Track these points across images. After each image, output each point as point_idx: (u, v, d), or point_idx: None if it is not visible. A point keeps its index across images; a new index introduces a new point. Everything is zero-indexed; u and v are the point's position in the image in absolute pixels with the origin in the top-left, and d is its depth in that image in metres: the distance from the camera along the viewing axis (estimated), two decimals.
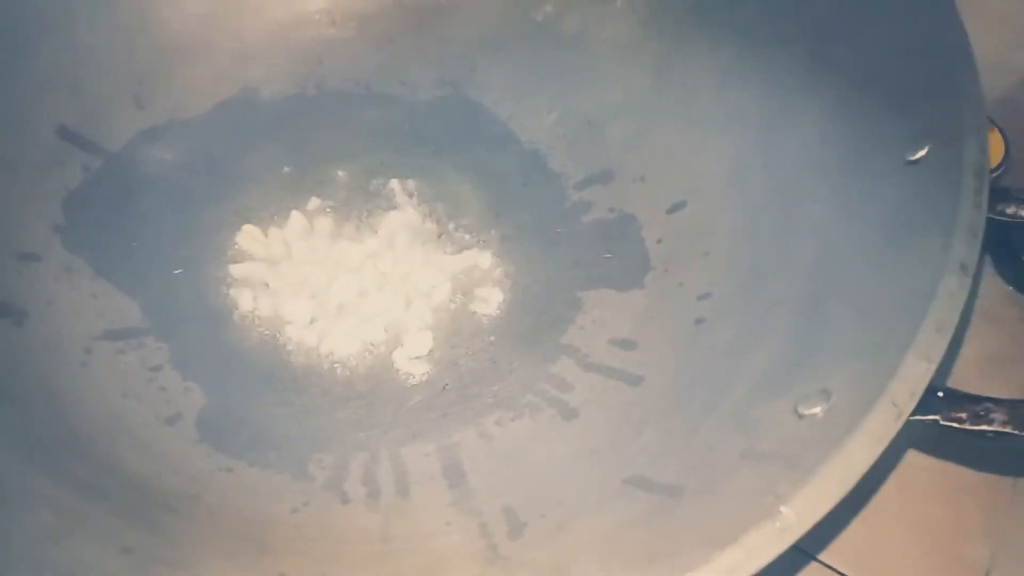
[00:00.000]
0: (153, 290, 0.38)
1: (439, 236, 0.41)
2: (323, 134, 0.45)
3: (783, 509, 0.22)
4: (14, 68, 0.40)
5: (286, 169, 0.43)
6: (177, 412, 0.35)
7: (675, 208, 0.42)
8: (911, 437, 0.28)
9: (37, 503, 0.27)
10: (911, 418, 0.24)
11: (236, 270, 0.39)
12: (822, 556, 0.32)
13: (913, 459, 0.32)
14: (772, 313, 0.33)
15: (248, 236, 0.40)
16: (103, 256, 0.39)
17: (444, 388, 0.36)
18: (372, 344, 0.37)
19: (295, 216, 0.41)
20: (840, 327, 0.28)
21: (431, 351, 0.37)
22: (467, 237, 0.41)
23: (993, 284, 0.39)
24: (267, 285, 0.38)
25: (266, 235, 0.40)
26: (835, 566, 0.32)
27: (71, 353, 0.35)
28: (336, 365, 0.37)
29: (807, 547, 0.32)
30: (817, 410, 0.26)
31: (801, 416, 0.26)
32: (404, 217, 0.41)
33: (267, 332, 0.37)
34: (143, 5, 0.43)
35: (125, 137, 0.42)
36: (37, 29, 0.40)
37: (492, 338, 0.38)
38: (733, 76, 0.41)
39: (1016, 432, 0.26)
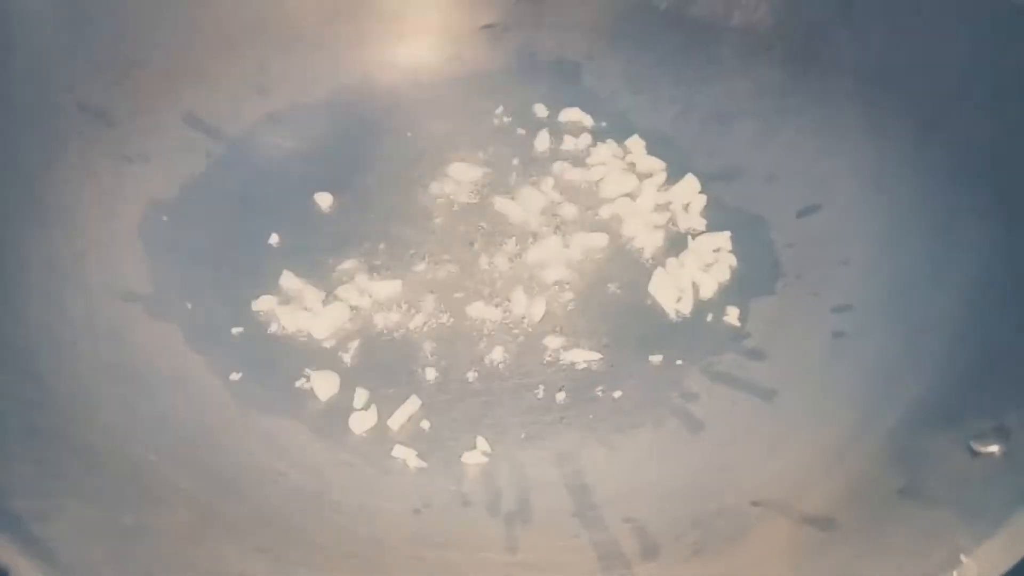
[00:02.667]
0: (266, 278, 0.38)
1: (556, 229, 0.40)
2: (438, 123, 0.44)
3: (964, 559, 0.21)
4: (144, 59, 0.40)
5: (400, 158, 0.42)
6: (300, 404, 0.34)
7: (807, 211, 0.40)
8: None
9: (175, 500, 0.28)
10: None
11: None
12: None
13: None
14: (926, 334, 0.30)
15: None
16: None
17: (560, 390, 0.35)
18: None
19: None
20: (1013, 357, 0.26)
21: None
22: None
23: None
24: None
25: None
26: None
27: (196, 346, 0.36)
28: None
29: None
30: (995, 449, 0.24)
31: (975, 454, 0.24)
32: (521, 209, 0.40)
33: (391, 319, 0.37)
34: None
35: (247, 123, 0.42)
36: (168, 21, 0.41)
37: (606, 340, 0.37)
38: (876, 78, 0.38)
39: None
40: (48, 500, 0.26)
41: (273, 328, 0.36)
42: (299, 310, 0.37)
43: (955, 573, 0.21)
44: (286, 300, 0.37)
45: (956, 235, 0.32)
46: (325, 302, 0.37)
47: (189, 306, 0.36)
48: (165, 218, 0.39)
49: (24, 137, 0.37)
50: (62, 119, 0.38)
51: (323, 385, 0.34)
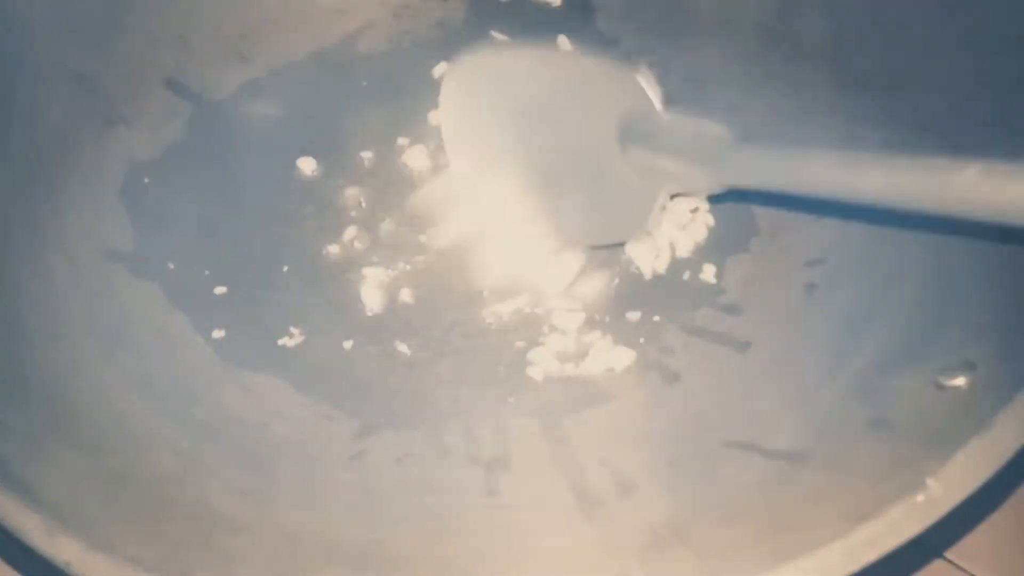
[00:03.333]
0: (253, 243, 0.38)
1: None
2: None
3: (929, 482, 0.21)
4: (126, 24, 0.40)
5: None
6: (281, 359, 0.35)
7: None
8: None
9: (159, 445, 0.28)
10: None
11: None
12: (949, 554, 0.30)
13: None
14: (896, 283, 0.31)
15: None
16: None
17: (540, 345, 0.36)
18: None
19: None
20: (980, 303, 0.27)
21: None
22: None
23: None
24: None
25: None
26: (963, 565, 0.30)
27: (179, 304, 0.36)
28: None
29: (933, 543, 0.30)
30: (961, 381, 0.24)
31: (942, 387, 0.25)
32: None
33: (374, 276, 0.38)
34: None
35: (229, 89, 0.43)
36: None
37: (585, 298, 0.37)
38: (845, 44, 0.39)
39: None
40: (34, 445, 0.26)
41: (257, 288, 0.37)
42: None
43: (920, 496, 0.22)
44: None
45: None
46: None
47: (171, 266, 0.37)
48: (147, 180, 0.39)
49: (6, 101, 0.37)
50: (44, 83, 0.38)
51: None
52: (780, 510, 0.24)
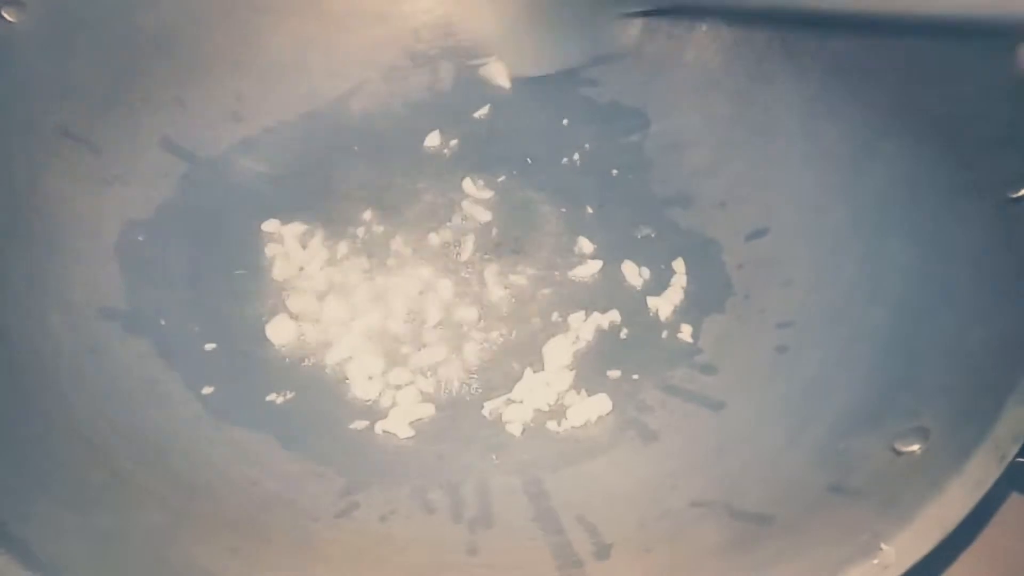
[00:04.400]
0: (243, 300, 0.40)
1: (515, 252, 0.42)
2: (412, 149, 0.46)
3: (883, 546, 0.23)
4: (124, 87, 0.42)
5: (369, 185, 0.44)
6: (269, 415, 0.36)
7: (756, 235, 0.42)
8: (1014, 479, 0.28)
9: (150, 504, 0.29)
10: (1016, 460, 0.24)
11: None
12: None
13: (1017, 502, 0.32)
14: (859, 346, 0.33)
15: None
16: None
17: (522, 402, 0.37)
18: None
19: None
20: (934, 366, 0.29)
21: None
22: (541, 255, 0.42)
23: None
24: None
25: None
26: None
27: (169, 360, 0.37)
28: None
29: None
30: (915, 448, 0.26)
31: (898, 453, 0.26)
32: (475, 230, 0.42)
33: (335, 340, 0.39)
34: (245, 28, 0.45)
35: (222, 148, 0.44)
36: (148, 49, 0.42)
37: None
38: (818, 108, 0.41)
39: None
40: (27, 502, 0.27)
41: (246, 344, 0.38)
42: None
43: (875, 560, 0.23)
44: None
45: (887, 256, 0.35)
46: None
47: (163, 323, 0.38)
48: (141, 238, 0.40)
49: (9, 161, 0.38)
50: (46, 144, 0.39)
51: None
52: (746, 571, 0.26)
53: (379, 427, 0.35)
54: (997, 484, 0.23)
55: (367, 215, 0.43)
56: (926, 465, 0.25)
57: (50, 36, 0.41)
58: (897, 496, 0.24)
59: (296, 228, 0.42)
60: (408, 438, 0.36)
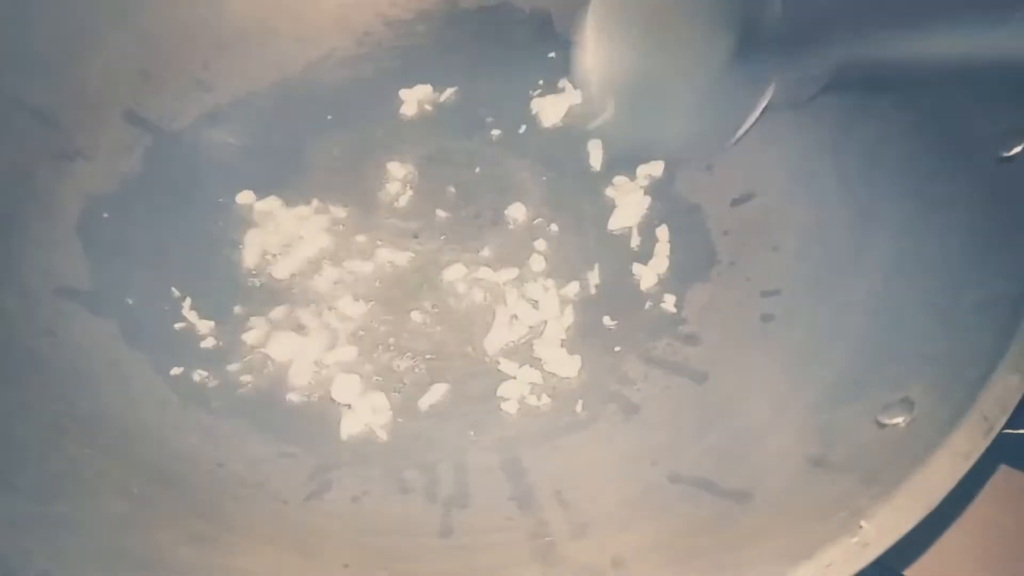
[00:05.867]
0: (214, 277, 0.38)
1: (494, 224, 0.40)
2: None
3: (863, 524, 0.22)
4: (85, 58, 0.40)
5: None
6: (240, 398, 0.35)
7: (741, 200, 0.41)
8: (1003, 451, 0.27)
9: (109, 491, 0.28)
10: (1004, 431, 0.23)
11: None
12: (907, 572, 0.30)
13: (1006, 474, 0.31)
14: (846, 315, 0.32)
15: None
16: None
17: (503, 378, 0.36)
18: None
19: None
20: (922, 334, 0.27)
21: None
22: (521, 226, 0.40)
23: None
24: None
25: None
26: None
27: (135, 341, 0.36)
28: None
29: (890, 562, 0.30)
30: (899, 420, 0.25)
31: (882, 426, 0.25)
32: (452, 199, 0.41)
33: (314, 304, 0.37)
34: None
35: (189, 120, 0.43)
36: (107, 19, 0.41)
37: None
38: (804, 67, 0.39)
39: None
40: None
41: (217, 324, 0.37)
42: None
43: (855, 538, 0.22)
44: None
45: (875, 222, 0.33)
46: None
47: (129, 302, 0.37)
48: (105, 215, 0.39)
49: None
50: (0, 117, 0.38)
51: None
52: (723, 550, 0.25)
53: (354, 405, 0.34)
54: (986, 456, 0.22)
55: (341, 186, 0.41)
56: (910, 438, 0.24)
57: (6, 4, 0.39)
58: (880, 471, 0.23)
59: (270, 202, 0.41)
60: (383, 417, 0.34)
